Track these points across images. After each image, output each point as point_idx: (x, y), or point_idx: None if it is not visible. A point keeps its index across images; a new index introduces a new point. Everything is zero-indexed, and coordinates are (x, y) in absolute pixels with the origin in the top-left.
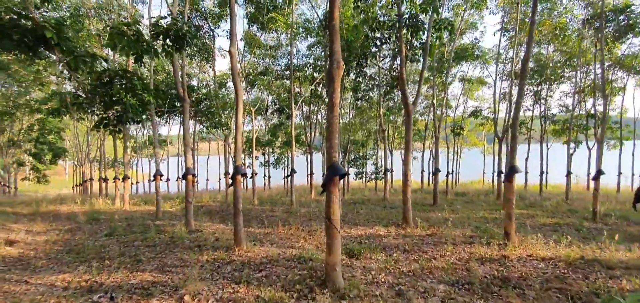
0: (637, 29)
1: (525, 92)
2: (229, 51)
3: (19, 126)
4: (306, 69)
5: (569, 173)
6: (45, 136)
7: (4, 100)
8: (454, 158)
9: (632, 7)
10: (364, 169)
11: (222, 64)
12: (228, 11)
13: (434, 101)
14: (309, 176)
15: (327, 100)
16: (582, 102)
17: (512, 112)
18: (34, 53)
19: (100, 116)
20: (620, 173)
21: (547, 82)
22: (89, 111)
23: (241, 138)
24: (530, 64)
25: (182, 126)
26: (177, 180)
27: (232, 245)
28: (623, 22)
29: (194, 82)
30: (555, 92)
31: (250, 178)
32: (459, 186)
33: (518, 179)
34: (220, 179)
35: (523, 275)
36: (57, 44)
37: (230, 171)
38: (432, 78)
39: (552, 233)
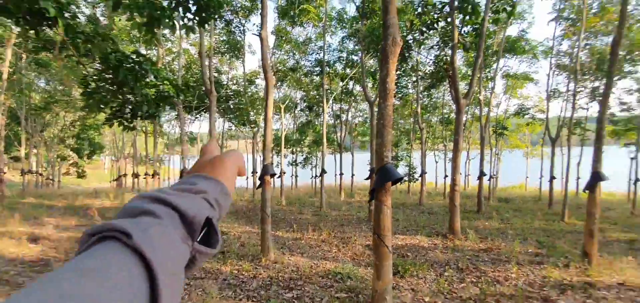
0: None
1: (579, 90)
2: (260, 35)
3: (63, 122)
4: (337, 64)
5: (637, 180)
6: (86, 131)
7: (48, 96)
8: (493, 160)
9: None
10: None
11: (252, 62)
12: (259, 5)
13: (481, 97)
14: (339, 176)
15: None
16: None
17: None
18: (36, 31)
19: (113, 109)
20: None
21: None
22: (100, 103)
23: (271, 133)
24: (585, 58)
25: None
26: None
27: (259, 253)
28: None
29: (224, 79)
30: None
31: (279, 177)
32: (499, 191)
33: (565, 185)
34: (247, 177)
35: None
36: (56, 20)
37: (258, 169)
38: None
39: (630, 252)
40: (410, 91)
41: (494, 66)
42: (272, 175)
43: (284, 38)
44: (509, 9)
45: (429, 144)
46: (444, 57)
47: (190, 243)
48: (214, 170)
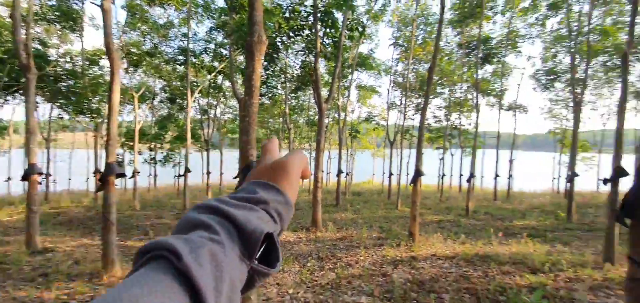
0: (492, 59)
1: (408, 104)
2: (102, 5)
3: None
4: (204, 55)
5: (443, 175)
6: None
7: None
8: (348, 159)
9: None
10: None
11: (95, 38)
12: None
13: (340, 103)
14: (206, 175)
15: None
16: (450, 114)
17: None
18: None
19: None
20: (497, 175)
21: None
22: None
23: (115, 125)
24: (413, 79)
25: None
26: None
27: (100, 269)
28: (484, 52)
29: (53, 54)
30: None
31: (131, 177)
32: (353, 186)
33: (399, 180)
34: (88, 178)
35: (434, 277)
36: None
37: (102, 168)
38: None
39: (439, 230)
40: (280, 91)
41: (350, 76)
42: (119, 175)
43: (138, 16)
44: (360, 29)
45: (297, 143)
46: (309, 64)
47: (248, 262)
48: (275, 176)
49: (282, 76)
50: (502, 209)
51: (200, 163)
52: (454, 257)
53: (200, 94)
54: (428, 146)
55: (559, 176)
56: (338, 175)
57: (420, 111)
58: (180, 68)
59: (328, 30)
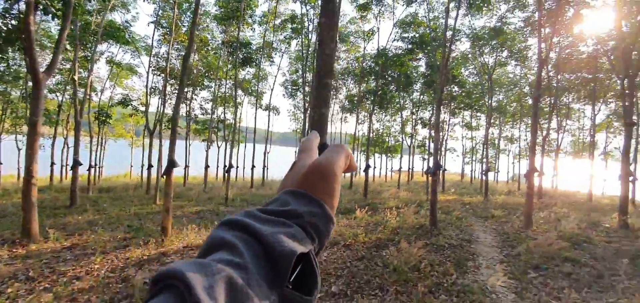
0: (252, 62)
1: (174, 92)
2: None
3: None
4: None
5: (207, 166)
6: None
7: None
8: (98, 149)
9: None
10: None
11: None
12: None
13: (76, 78)
14: None
15: None
16: (216, 108)
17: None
18: None
19: None
20: (253, 166)
21: (193, 87)
22: None
23: None
24: (178, 66)
25: None
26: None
27: None
28: (245, 54)
29: None
30: (198, 96)
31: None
32: (103, 181)
33: (159, 172)
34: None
35: None
36: None
37: None
38: (72, 50)
39: (199, 221)
40: None
41: (94, 47)
42: None
43: None
44: None
45: (7, 126)
46: (19, 14)
47: (278, 290)
48: (310, 182)
49: None
50: (257, 195)
51: None
52: None
53: None
54: (195, 139)
55: None
56: (74, 168)
57: (184, 101)
58: None
59: None
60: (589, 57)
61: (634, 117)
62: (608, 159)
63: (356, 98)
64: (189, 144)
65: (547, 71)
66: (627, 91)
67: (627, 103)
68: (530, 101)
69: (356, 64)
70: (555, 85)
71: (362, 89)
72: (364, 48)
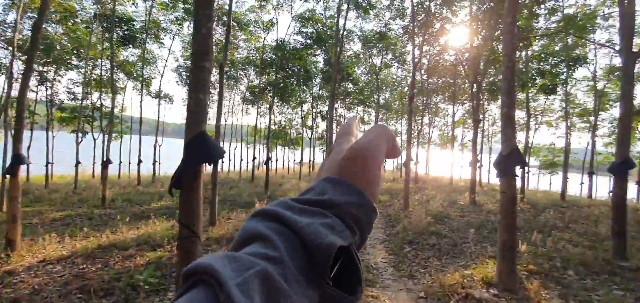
0: (134, 42)
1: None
2: None
3: None
4: None
5: (78, 163)
6: None
7: None
8: None
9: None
10: None
11: None
12: None
13: None
14: None
15: None
16: (90, 93)
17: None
18: None
19: None
20: (140, 161)
21: (55, 65)
22: None
23: None
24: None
25: None
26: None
27: None
28: (126, 32)
29: None
30: (64, 78)
31: None
32: None
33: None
34: None
35: (36, 288)
36: None
37: None
38: None
39: (64, 228)
40: None
41: None
42: None
43: None
44: None
45: None
46: None
47: (317, 286)
48: (349, 169)
49: None
50: (144, 194)
51: None
52: (71, 256)
53: None
54: (62, 129)
55: None
56: None
57: (43, 82)
58: None
59: None
60: (451, 65)
61: (480, 115)
62: (464, 150)
63: (258, 90)
64: (53, 136)
65: (421, 75)
66: (475, 94)
67: (474, 104)
68: None
69: (257, 55)
70: (427, 87)
71: (263, 81)
72: (264, 39)
